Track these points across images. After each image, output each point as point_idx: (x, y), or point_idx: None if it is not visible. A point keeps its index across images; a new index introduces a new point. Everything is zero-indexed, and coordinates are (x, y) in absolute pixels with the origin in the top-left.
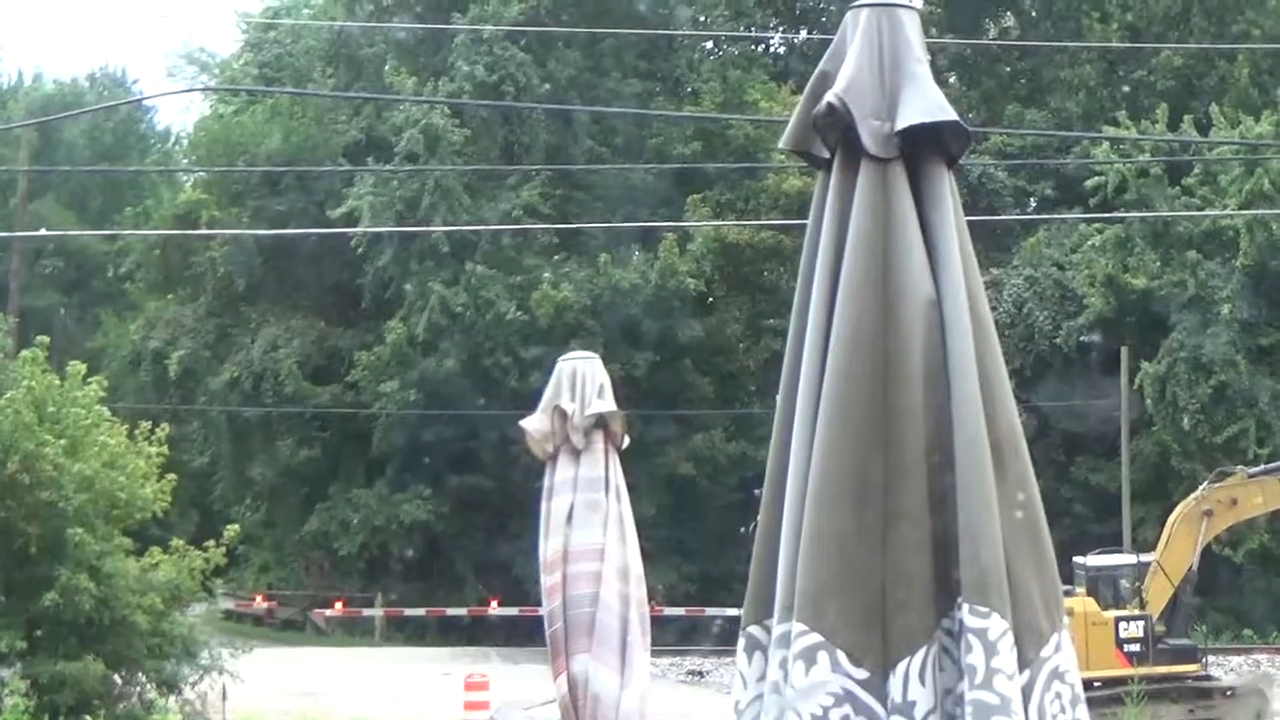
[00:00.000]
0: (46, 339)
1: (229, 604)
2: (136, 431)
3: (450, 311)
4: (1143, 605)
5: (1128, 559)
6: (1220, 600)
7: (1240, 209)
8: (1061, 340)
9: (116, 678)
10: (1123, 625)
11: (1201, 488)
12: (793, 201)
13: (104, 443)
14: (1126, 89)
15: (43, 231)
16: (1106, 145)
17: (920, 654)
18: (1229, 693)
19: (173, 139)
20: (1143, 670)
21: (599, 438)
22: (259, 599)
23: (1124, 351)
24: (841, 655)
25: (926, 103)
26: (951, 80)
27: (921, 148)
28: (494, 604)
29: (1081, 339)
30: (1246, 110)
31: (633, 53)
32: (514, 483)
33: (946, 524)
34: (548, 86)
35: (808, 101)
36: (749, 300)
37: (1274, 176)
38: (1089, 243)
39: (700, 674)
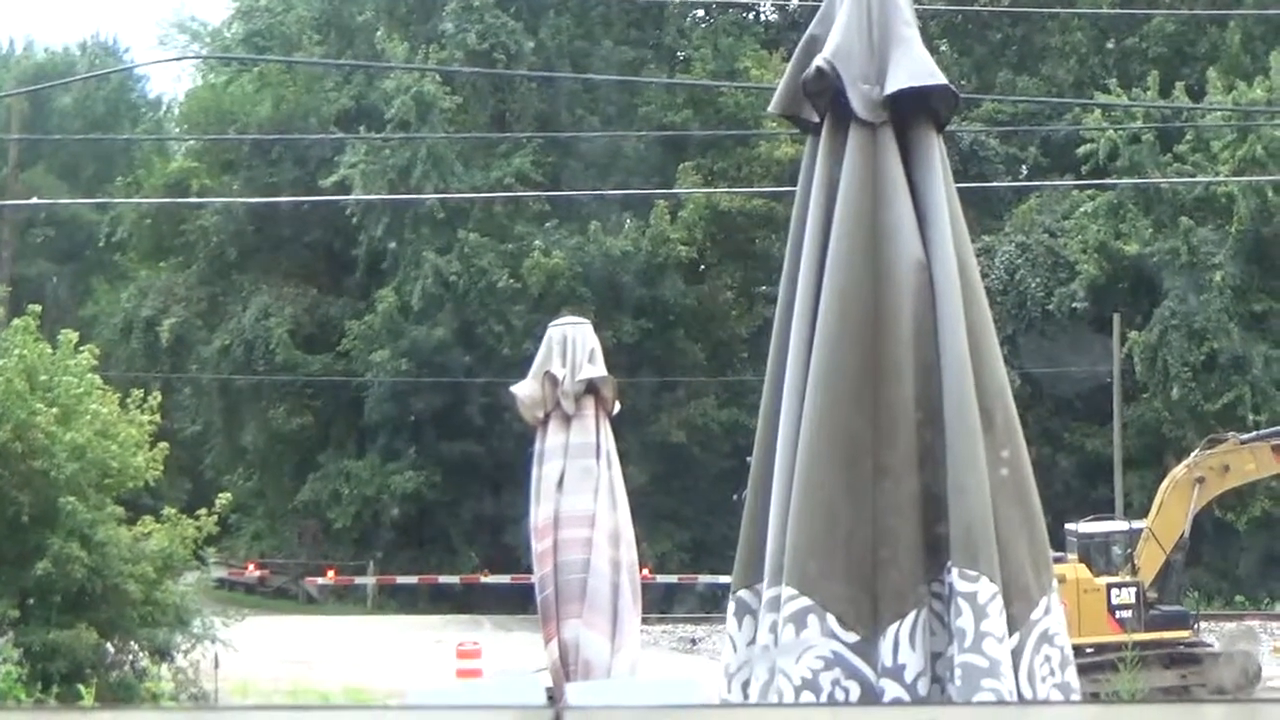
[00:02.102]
0: (38, 308)
1: (221, 572)
2: (128, 400)
3: (444, 280)
4: (1135, 572)
5: (1120, 525)
6: (1214, 565)
7: (1233, 175)
8: (1054, 307)
9: (109, 646)
10: (1115, 592)
11: (1194, 454)
12: (784, 169)
13: (96, 411)
14: (1118, 55)
15: (34, 200)
16: (1098, 112)
17: (910, 617)
18: (1216, 656)
19: (164, 107)
20: (1135, 636)
21: (590, 403)
22: (251, 567)
23: (1116, 318)
24: (831, 619)
25: (915, 67)
26: (943, 47)
27: (910, 112)
28: (486, 572)
29: (1074, 305)
30: (1239, 76)
31: (624, 20)
32: (506, 449)
33: (933, 482)
34: (538, 53)
35: (797, 66)
36: (741, 267)
37: (1266, 142)
38: (1081, 209)
39: (693, 641)
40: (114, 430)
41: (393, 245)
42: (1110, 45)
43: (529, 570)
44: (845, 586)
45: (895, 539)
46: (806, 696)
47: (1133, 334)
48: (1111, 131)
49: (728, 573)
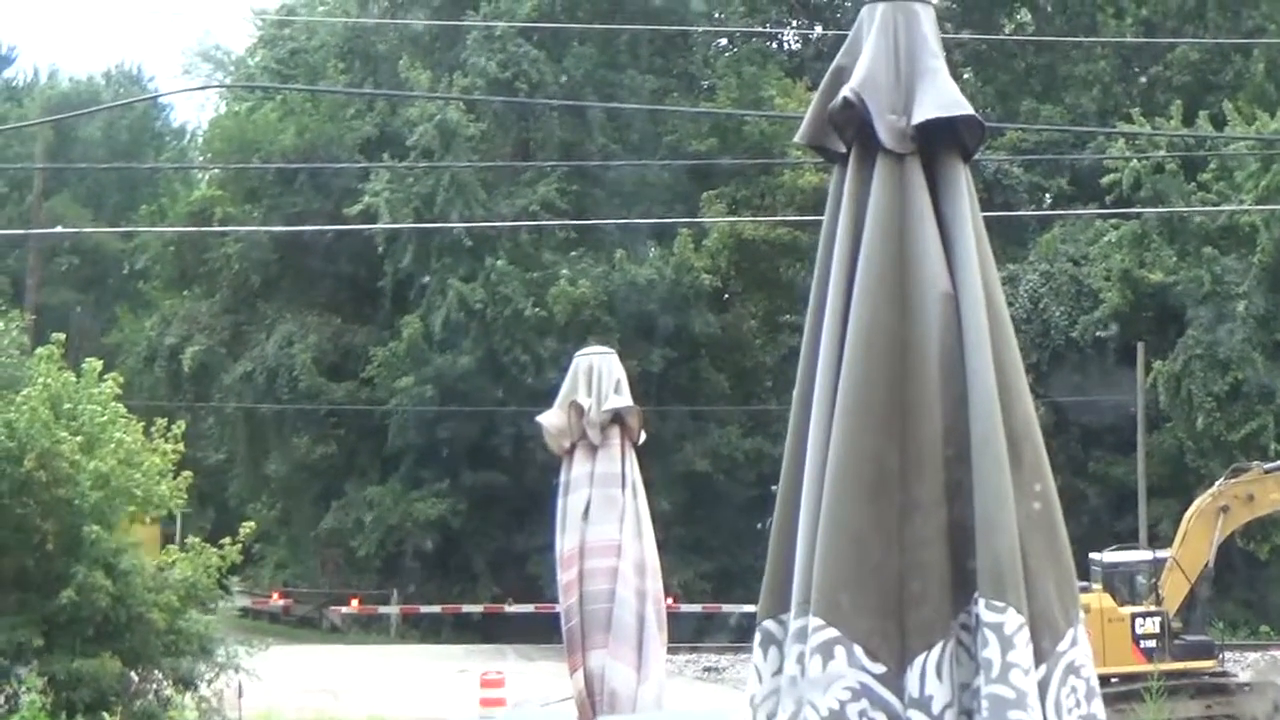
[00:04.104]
0: (62, 336)
1: (245, 601)
2: (152, 428)
3: (469, 308)
4: (1159, 601)
5: (1144, 555)
6: (1239, 595)
7: (1257, 204)
8: (1078, 335)
9: (133, 675)
10: (1139, 621)
11: (1218, 483)
12: (808, 197)
13: (120, 439)
14: (1142, 84)
15: (59, 229)
16: (1122, 141)
17: (937, 649)
18: (1245, 688)
19: (188, 136)
20: (1159, 666)
21: (615, 433)
22: (275, 596)
23: (1140, 347)
24: (859, 649)
25: (942, 97)
26: (967, 76)
27: (937, 142)
28: (510, 601)
29: (1098, 334)
30: (1263, 106)
31: (648, 49)
32: (530, 479)
33: (962, 516)
34: (563, 80)
35: (823, 96)
36: (765, 296)
37: None
38: (1105, 238)
39: (717, 670)
40: (138, 458)
41: (419, 275)
42: (1134, 74)
43: (553, 599)
44: (874, 619)
45: (924, 572)
46: None
47: (1157, 363)
48: (1135, 161)
49: (752, 601)
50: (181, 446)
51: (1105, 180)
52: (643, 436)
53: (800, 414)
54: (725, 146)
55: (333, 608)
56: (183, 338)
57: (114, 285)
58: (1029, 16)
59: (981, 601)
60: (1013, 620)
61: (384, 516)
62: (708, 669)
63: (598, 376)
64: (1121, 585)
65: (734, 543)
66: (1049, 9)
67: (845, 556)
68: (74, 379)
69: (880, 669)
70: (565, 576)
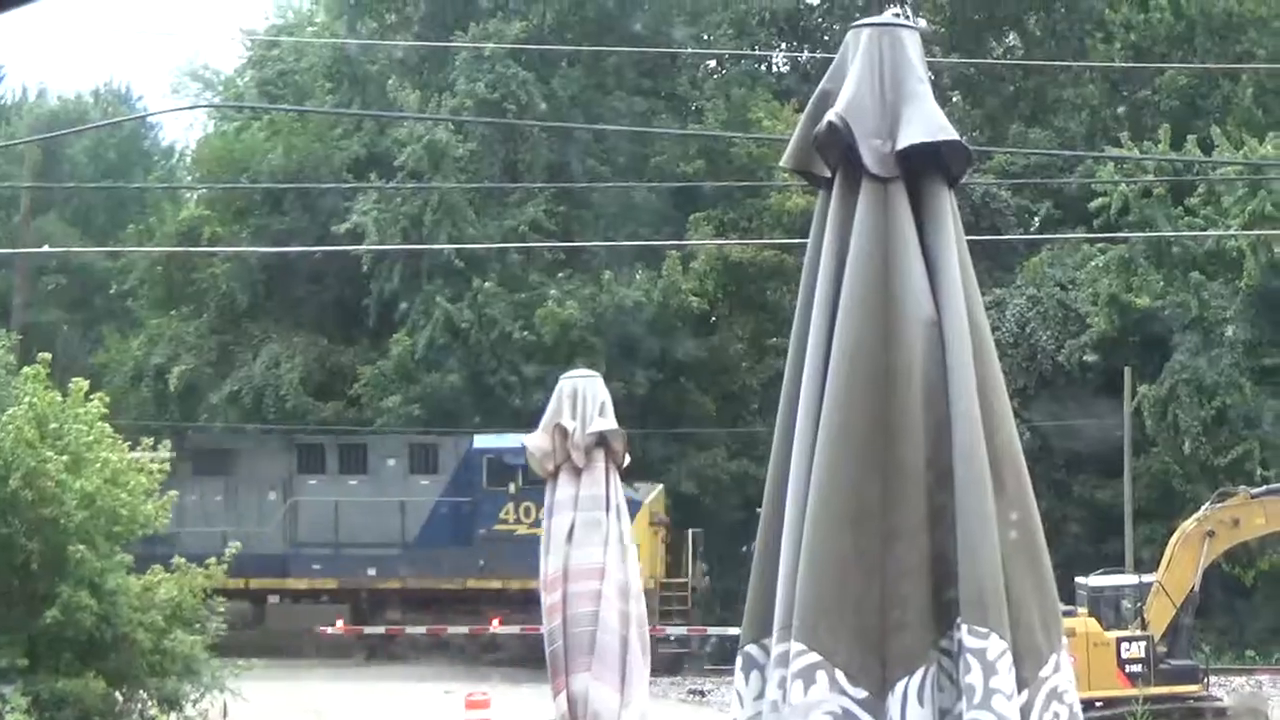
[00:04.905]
0: (48, 356)
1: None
2: (138, 447)
3: (454, 328)
4: (1144, 626)
5: (1129, 579)
6: (1223, 620)
7: (1244, 229)
8: (1064, 359)
9: (118, 695)
10: (1124, 645)
11: (1204, 508)
12: (795, 220)
13: (106, 459)
14: (1130, 108)
15: (46, 248)
16: (1110, 165)
17: (919, 674)
18: (1226, 712)
19: (176, 155)
20: (1145, 691)
21: (600, 456)
22: None
23: (1127, 371)
24: (840, 674)
25: (927, 122)
26: (955, 99)
27: (922, 167)
28: (495, 623)
29: (1084, 358)
30: (1250, 131)
31: (635, 71)
32: None
33: (945, 543)
34: (548, 105)
35: (809, 121)
36: (752, 319)
37: (1277, 198)
38: (1092, 262)
39: (701, 693)
40: (124, 478)
41: (406, 295)
42: (1122, 98)
43: (538, 622)
44: (855, 644)
45: (906, 601)
46: None
47: (1143, 388)
48: (1123, 185)
49: (736, 624)
50: (167, 466)
51: (1093, 204)
52: (627, 459)
53: (783, 438)
54: (713, 168)
55: (319, 627)
56: (169, 357)
57: (101, 305)
58: (1018, 40)
59: (964, 627)
60: (995, 645)
61: None
62: (692, 692)
63: (582, 399)
64: (1107, 609)
65: (718, 565)
66: (1037, 33)
67: (827, 582)
68: (60, 398)
69: (862, 694)
70: (549, 599)
